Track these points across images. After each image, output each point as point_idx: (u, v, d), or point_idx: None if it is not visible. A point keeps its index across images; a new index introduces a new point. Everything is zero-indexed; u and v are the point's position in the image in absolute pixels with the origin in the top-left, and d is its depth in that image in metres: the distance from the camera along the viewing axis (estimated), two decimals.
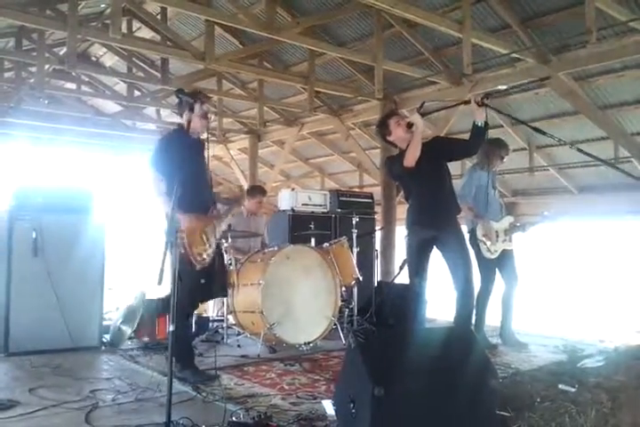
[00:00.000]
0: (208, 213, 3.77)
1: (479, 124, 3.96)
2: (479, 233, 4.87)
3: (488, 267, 4.90)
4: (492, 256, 4.89)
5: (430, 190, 4.12)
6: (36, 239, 4.61)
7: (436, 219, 4.08)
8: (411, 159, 3.92)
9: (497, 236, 4.93)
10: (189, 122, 3.59)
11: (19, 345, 4.48)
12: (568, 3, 5.38)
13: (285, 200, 6.63)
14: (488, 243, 4.86)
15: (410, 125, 4.01)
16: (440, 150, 4.14)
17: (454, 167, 8.13)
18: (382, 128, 4.22)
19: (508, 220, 5.09)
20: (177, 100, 3.77)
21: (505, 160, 5.13)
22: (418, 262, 4.19)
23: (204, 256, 3.61)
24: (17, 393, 3.41)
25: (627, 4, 4.94)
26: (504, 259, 4.99)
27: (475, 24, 5.60)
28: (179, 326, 3.79)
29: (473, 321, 4.85)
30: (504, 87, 6.32)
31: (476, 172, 4.98)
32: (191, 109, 3.62)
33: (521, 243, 5.23)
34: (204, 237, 3.64)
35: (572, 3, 5.32)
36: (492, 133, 7.85)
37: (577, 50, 5.59)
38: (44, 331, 4.55)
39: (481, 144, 4.15)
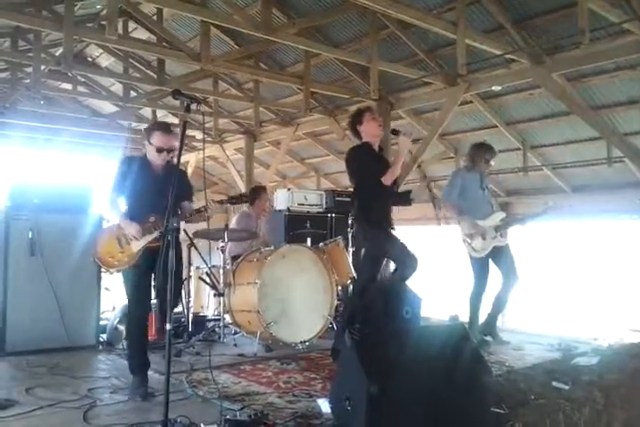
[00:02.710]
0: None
1: None
2: (462, 233, 4.95)
3: (478, 265, 4.94)
4: (479, 255, 4.91)
5: (389, 195, 4.41)
6: (32, 239, 4.63)
7: (390, 219, 4.44)
8: (391, 179, 4.23)
9: (484, 233, 4.92)
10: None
11: (16, 345, 4.49)
12: (561, 4, 5.41)
13: (281, 200, 6.65)
14: (472, 242, 4.92)
15: (395, 133, 4.30)
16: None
17: (444, 170, 8.25)
18: (356, 117, 4.44)
19: (498, 216, 5.02)
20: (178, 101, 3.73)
21: (492, 163, 5.16)
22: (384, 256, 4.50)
23: (115, 262, 3.63)
24: (14, 393, 3.43)
25: (619, 5, 4.98)
26: (498, 256, 4.96)
27: (469, 25, 5.63)
28: (130, 331, 3.78)
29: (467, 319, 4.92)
30: (498, 88, 6.36)
31: (458, 174, 5.16)
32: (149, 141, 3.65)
33: (516, 240, 5.21)
34: (118, 244, 3.63)
35: (565, 4, 5.35)
36: (486, 133, 7.91)
37: (570, 51, 5.63)
38: (41, 330, 4.57)
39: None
